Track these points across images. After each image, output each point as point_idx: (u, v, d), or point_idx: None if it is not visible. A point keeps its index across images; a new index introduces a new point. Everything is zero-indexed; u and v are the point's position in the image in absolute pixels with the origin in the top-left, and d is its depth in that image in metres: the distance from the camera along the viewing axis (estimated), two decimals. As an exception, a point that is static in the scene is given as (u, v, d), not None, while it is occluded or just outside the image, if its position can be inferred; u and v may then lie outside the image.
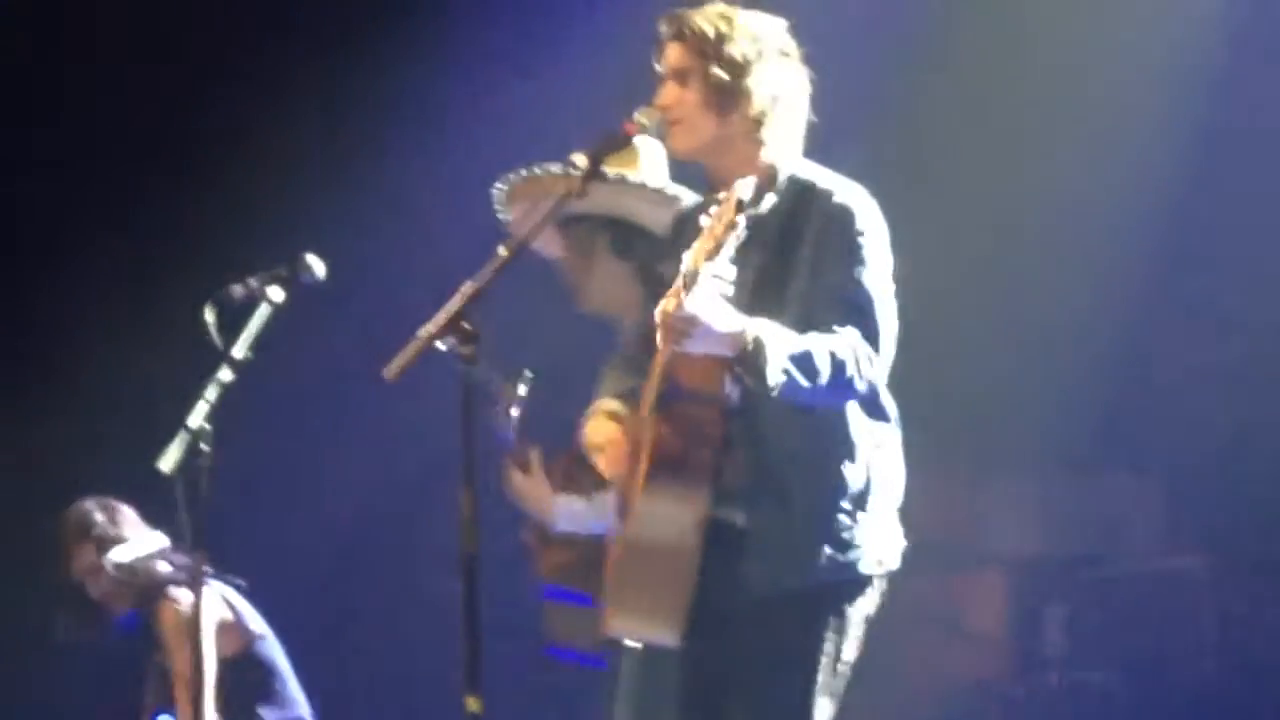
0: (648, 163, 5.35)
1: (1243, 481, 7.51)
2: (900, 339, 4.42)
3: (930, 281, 4.77)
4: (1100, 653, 8.01)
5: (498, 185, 5.55)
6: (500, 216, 5.58)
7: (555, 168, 5.35)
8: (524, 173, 5.48)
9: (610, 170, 5.00)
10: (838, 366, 4.24)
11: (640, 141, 5.27)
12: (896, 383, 4.44)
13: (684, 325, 4.16)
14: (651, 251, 5.15)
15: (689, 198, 5.08)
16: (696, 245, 4.18)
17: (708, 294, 4.15)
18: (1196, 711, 7.71)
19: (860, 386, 4.30)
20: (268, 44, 7.81)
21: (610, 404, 4.72)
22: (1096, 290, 6.67)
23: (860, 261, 4.38)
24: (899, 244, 4.49)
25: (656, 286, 4.57)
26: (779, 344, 4.19)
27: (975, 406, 7.54)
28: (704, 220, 4.20)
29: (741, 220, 4.13)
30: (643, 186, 5.29)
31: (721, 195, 4.21)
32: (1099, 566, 8.14)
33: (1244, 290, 7.17)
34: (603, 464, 4.64)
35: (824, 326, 4.30)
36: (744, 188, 4.16)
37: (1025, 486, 8.34)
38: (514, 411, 5.40)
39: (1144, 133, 6.70)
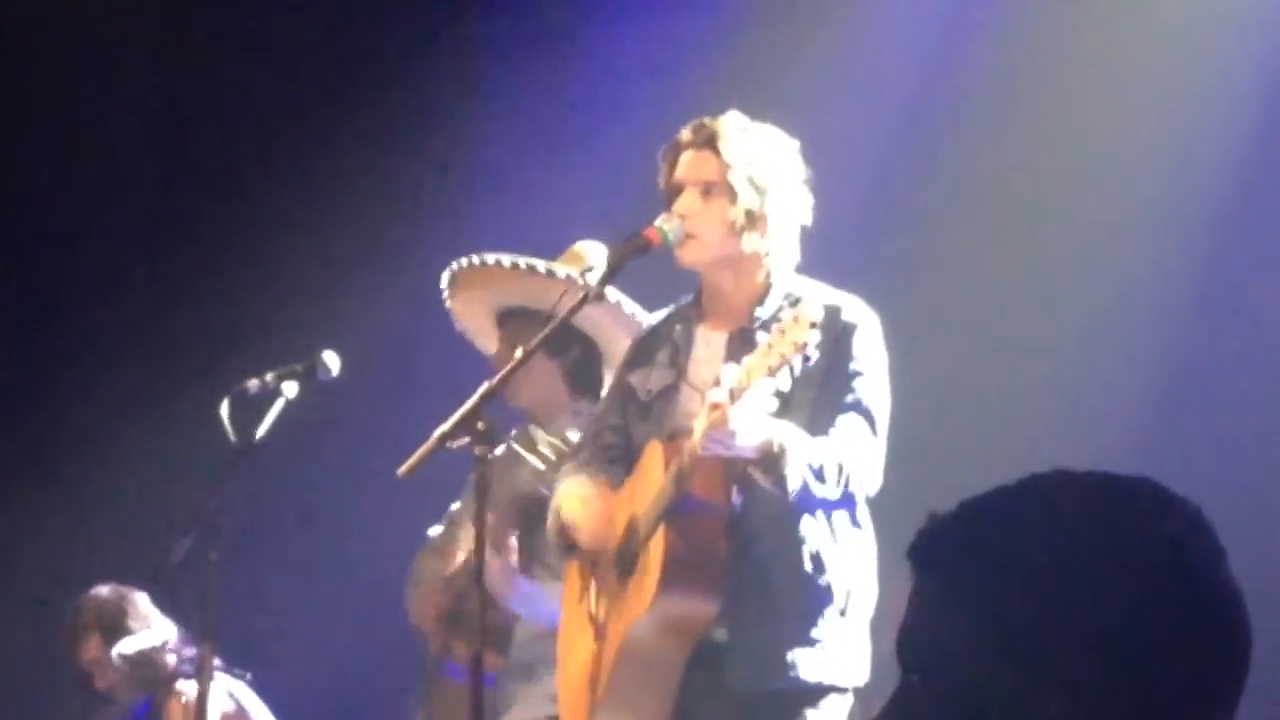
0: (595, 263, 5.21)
1: None
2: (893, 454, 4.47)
3: (926, 396, 4.80)
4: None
5: (448, 269, 5.52)
6: (446, 302, 5.55)
7: (505, 259, 5.34)
8: (476, 260, 5.43)
9: (611, 295, 4.98)
10: (845, 479, 4.31)
11: (582, 247, 5.33)
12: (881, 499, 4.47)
13: (729, 440, 4.17)
14: (586, 355, 5.23)
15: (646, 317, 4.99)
16: (753, 360, 4.13)
17: (752, 408, 4.16)
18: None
19: (857, 499, 4.39)
20: (288, 138, 7.88)
21: (583, 487, 4.67)
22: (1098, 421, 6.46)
23: (864, 375, 4.42)
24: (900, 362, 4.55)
25: (627, 396, 4.61)
26: (801, 452, 4.22)
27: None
28: (763, 336, 4.17)
29: (815, 338, 4.09)
30: (633, 319, 5.14)
31: (792, 315, 4.13)
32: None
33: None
34: (583, 532, 4.57)
35: (830, 431, 4.35)
36: (815, 310, 4.13)
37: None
38: None
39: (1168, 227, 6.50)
